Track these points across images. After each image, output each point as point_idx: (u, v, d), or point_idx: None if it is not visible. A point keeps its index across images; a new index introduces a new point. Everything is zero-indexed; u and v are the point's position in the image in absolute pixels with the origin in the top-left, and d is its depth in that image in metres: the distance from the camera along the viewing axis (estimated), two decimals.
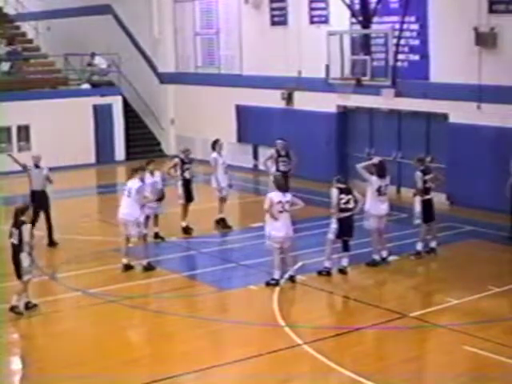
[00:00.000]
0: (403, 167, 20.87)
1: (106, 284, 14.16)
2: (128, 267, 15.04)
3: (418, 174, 15.45)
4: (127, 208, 15.03)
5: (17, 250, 12.52)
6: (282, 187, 14.06)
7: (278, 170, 18.12)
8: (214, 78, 27.25)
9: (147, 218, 16.09)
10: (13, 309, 12.60)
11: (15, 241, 12.50)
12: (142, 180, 15.29)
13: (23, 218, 12.55)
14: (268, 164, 18.52)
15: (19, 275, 12.60)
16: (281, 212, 13.74)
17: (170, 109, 29.39)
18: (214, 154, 18.03)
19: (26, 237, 12.44)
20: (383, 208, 15.08)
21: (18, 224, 12.51)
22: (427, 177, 15.44)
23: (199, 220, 18.11)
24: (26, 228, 12.48)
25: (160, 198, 16.29)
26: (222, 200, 18.09)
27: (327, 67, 20.33)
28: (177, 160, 17.79)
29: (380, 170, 15.11)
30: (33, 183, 17.09)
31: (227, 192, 18.21)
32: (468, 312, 12.60)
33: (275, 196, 13.87)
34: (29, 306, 12.78)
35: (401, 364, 10.84)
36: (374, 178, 15.00)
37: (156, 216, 16.64)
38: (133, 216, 14.91)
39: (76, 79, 29.49)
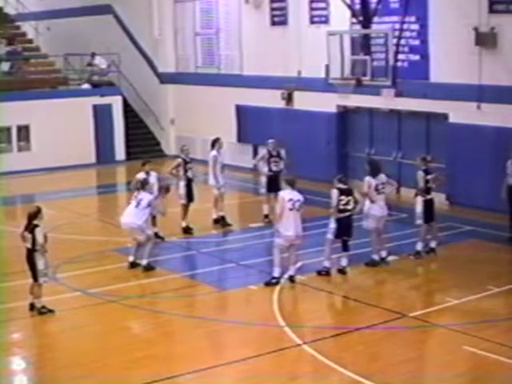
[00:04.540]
0: (403, 167, 20.88)
1: (106, 284, 14.16)
2: (134, 265, 15.07)
3: (420, 173, 15.44)
4: (131, 216, 15.03)
5: (31, 253, 12.55)
6: (294, 184, 14.10)
7: (270, 170, 18.19)
8: (213, 78, 27.24)
9: (154, 217, 16.21)
10: (40, 311, 12.66)
11: (29, 245, 12.54)
12: (147, 173, 16.08)
13: (36, 222, 12.58)
14: (260, 164, 18.60)
15: (35, 278, 12.62)
16: (291, 210, 13.78)
17: (170, 109, 29.38)
18: (214, 153, 18.08)
19: (39, 239, 12.48)
20: (382, 209, 15.08)
21: (30, 228, 12.54)
22: (429, 176, 15.43)
23: (199, 220, 18.12)
24: (39, 231, 12.51)
25: (166, 191, 16.17)
26: (221, 198, 18.15)
27: (327, 67, 20.33)
28: (180, 160, 17.80)
29: (373, 170, 15.12)
30: None
31: (224, 190, 18.31)
32: (468, 312, 12.59)
33: (286, 194, 13.94)
34: (33, 308, 12.77)
35: (401, 364, 10.83)
36: (367, 178, 14.99)
37: (154, 216, 16.59)
38: (136, 224, 14.93)
39: (76, 79, 29.49)
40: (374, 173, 15.06)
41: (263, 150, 18.93)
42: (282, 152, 18.61)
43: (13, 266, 14.43)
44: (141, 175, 16.50)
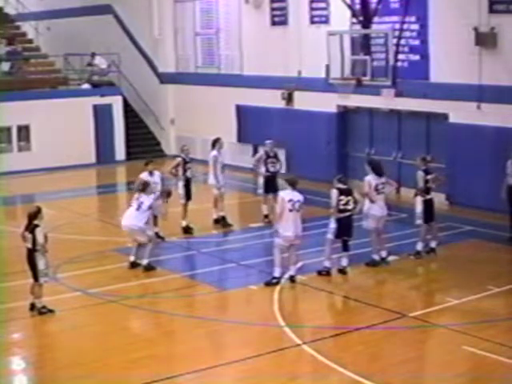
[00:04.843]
0: (403, 167, 20.88)
1: (106, 284, 14.16)
2: (134, 265, 15.07)
3: (420, 173, 15.43)
4: (131, 218, 15.01)
5: (32, 253, 12.56)
6: (295, 184, 14.09)
7: (267, 170, 18.24)
8: (213, 78, 27.24)
9: (155, 217, 16.23)
10: (40, 311, 12.67)
11: (29, 245, 12.55)
12: (151, 173, 16.28)
13: (36, 222, 12.59)
14: (258, 165, 18.65)
15: (36, 278, 12.64)
16: (291, 211, 13.77)
17: (170, 109, 29.39)
18: (214, 153, 18.11)
19: (40, 239, 12.49)
20: (382, 209, 15.07)
21: (31, 228, 12.55)
22: (429, 177, 15.43)
23: (199, 220, 18.13)
24: (40, 231, 12.52)
25: (168, 195, 16.26)
26: (221, 198, 18.17)
27: (327, 67, 20.34)
28: (179, 159, 17.83)
29: (376, 169, 15.11)
30: None
31: (224, 190, 18.33)
32: (468, 312, 12.60)
33: (286, 194, 13.93)
34: (33, 308, 12.78)
35: (401, 364, 10.83)
36: (367, 178, 14.98)
37: (155, 216, 16.61)
38: (137, 226, 14.93)
39: (76, 79, 29.50)
40: (378, 173, 15.05)
41: (261, 151, 18.97)
42: (279, 153, 18.65)
43: (13, 266, 14.44)
44: (144, 175, 16.52)
